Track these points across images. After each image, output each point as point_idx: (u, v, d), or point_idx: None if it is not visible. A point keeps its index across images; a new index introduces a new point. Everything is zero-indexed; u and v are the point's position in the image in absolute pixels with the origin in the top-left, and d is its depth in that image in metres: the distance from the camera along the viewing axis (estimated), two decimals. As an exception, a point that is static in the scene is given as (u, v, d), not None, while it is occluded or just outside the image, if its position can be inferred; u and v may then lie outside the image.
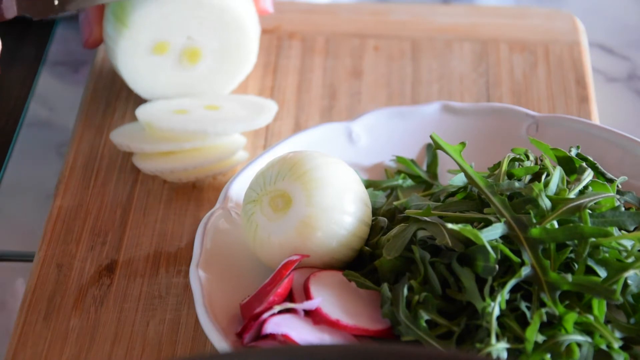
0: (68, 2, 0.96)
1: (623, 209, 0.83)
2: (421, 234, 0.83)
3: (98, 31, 1.02)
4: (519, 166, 0.87)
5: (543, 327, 0.78)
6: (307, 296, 0.82)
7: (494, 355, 0.76)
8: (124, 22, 0.99)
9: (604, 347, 0.77)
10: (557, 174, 0.84)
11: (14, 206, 1.01)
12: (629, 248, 0.81)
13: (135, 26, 0.99)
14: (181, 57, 1.01)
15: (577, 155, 0.88)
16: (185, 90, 1.03)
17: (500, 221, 0.81)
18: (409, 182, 0.95)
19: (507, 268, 0.80)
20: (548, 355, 0.76)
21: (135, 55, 1.00)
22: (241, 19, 1.01)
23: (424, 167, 0.96)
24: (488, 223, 0.81)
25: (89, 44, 1.03)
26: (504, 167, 0.86)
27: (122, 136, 1.00)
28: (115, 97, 1.07)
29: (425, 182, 0.95)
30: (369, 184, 0.94)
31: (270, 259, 0.85)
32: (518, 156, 0.88)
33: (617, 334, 0.78)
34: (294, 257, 0.84)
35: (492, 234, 0.80)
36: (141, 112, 0.99)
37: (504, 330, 0.78)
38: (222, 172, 0.98)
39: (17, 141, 1.06)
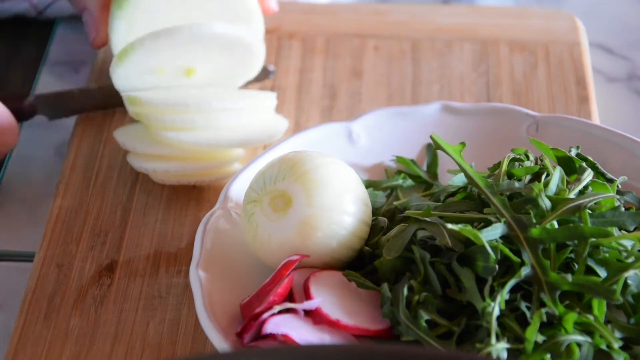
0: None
1: (623, 209, 0.83)
2: (421, 234, 0.83)
3: (104, 30, 1.01)
4: (519, 166, 0.87)
5: (543, 327, 0.78)
6: (307, 296, 0.82)
7: (494, 355, 0.76)
8: (120, 5, 0.99)
9: (604, 347, 0.77)
10: (557, 174, 0.84)
11: (14, 206, 1.01)
12: (629, 248, 0.81)
13: (131, 7, 0.98)
14: (179, 73, 1.01)
15: (577, 155, 0.88)
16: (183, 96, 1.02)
17: (500, 221, 0.81)
18: (409, 182, 0.95)
19: (507, 268, 0.80)
20: (548, 355, 0.76)
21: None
22: (247, 45, 1.00)
23: (424, 167, 0.96)
24: (488, 223, 0.81)
25: (96, 43, 1.02)
26: (504, 167, 0.86)
27: (123, 135, 1.00)
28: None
29: (425, 182, 0.95)
30: (369, 184, 0.94)
31: (270, 259, 0.85)
32: (518, 156, 0.88)
33: (617, 334, 0.78)
34: (294, 257, 0.84)
35: (492, 234, 0.80)
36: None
37: (504, 330, 0.78)
38: (210, 181, 0.97)
39: (17, 141, 1.06)
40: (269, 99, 1.00)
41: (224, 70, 1.01)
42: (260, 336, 0.80)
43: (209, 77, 1.01)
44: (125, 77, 0.99)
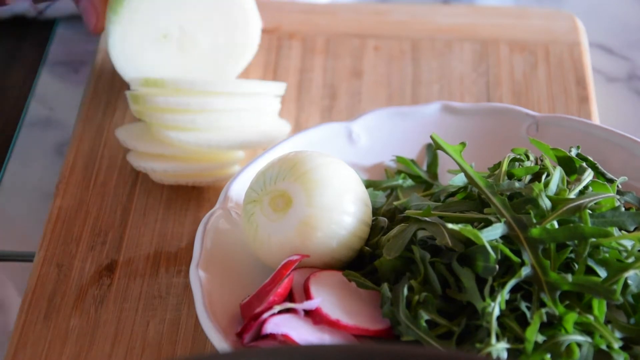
0: None
1: (623, 209, 0.83)
2: (421, 234, 0.83)
3: (104, 15, 1.02)
4: (519, 166, 0.87)
5: (543, 327, 0.78)
6: (307, 296, 0.82)
7: (494, 355, 0.76)
8: (115, 11, 0.99)
9: (604, 347, 0.77)
10: (557, 174, 0.84)
11: (14, 206, 1.01)
12: (629, 248, 0.81)
13: (126, 12, 0.99)
14: (174, 42, 1.01)
15: (577, 155, 0.88)
16: (181, 74, 1.02)
17: (500, 221, 0.81)
18: (409, 182, 0.95)
19: (507, 268, 0.80)
20: (548, 355, 0.76)
21: (126, 37, 1.00)
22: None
23: (424, 167, 0.96)
24: (488, 223, 0.81)
25: (97, 29, 1.03)
26: (504, 167, 0.86)
27: (124, 133, 1.00)
28: (115, 97, 1.07)
29: (426, 182, 0.95)
30: (369, 184, 0.94)
31: (270, 259, 0.85)
32: (518, 156, 0.88)
33: (617, 334, 0.78)
34: (294, 257, 0.84)
35: (492, 234, 0.80)
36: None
37: (504, 330, 0.78)
38: (208, 183, 0.97)
39: (17, 141, 1.06)
40: (273, 103, 1.00)
41: (222, 37, 1.02)
42: (260, 336, 0.80)
43: (209, 45, 1.02)
44: (119, 38, 1.00)
